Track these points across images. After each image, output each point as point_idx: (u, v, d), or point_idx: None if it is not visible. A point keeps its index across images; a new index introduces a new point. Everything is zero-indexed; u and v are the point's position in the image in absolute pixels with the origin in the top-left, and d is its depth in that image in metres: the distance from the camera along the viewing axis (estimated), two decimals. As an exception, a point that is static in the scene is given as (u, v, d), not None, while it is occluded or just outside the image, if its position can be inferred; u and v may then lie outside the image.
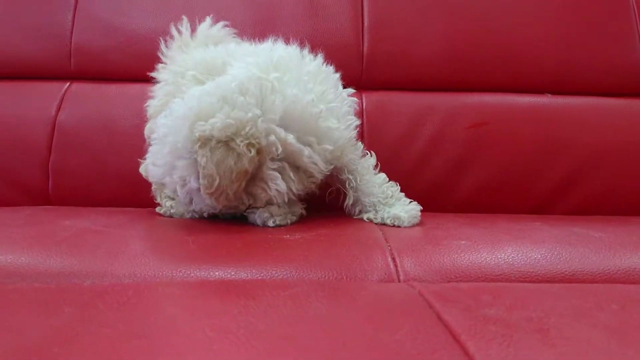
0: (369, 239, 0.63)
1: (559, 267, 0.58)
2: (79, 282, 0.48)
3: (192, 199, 0.70)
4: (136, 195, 0.92)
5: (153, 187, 0.84)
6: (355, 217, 0.80)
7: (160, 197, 0.83)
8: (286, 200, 0.70)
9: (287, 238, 0.62)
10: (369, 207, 0.79)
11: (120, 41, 1.03)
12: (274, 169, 0.67)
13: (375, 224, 0.76)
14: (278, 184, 0.67)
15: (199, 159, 0.62)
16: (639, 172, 0.97)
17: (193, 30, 0.91)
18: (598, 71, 1.06)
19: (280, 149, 0.66)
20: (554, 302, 0.44)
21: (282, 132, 0.66)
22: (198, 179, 0.64)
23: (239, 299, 0.40)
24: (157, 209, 0.83)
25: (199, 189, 0.65)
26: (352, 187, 0.79)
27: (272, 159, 0.67)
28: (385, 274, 0.54)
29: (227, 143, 0.62)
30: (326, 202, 0.83)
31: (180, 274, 0.50)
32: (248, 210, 0.71)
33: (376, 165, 0.83)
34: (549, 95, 1.04)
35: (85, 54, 1.03)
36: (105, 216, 0.75)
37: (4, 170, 0.95)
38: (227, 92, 0.65)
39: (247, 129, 0.63)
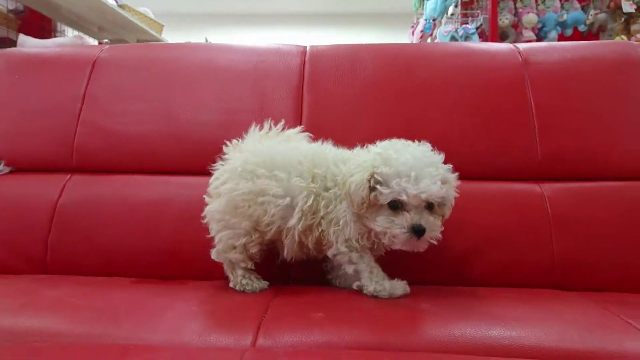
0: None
1: (388, 340, 0.77)
2: None
3: None
4: (119, 267, 1.18)
5: (225, 266, 1.05)
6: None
7: (232, 272, 1.04)
8: None
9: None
10: None
11: (111, 143, 1.31)
12: None
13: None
14: None
15: None
16: (521, 248, 1.16)
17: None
18: (504, 159, 1.26)
19: None
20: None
21: None
22: None
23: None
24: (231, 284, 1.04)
25: None
26: None
27: None
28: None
29: None
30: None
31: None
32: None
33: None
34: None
35: (84, 153, 1.31)
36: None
37: (11, 243, 1.22)
38: None
39: None
